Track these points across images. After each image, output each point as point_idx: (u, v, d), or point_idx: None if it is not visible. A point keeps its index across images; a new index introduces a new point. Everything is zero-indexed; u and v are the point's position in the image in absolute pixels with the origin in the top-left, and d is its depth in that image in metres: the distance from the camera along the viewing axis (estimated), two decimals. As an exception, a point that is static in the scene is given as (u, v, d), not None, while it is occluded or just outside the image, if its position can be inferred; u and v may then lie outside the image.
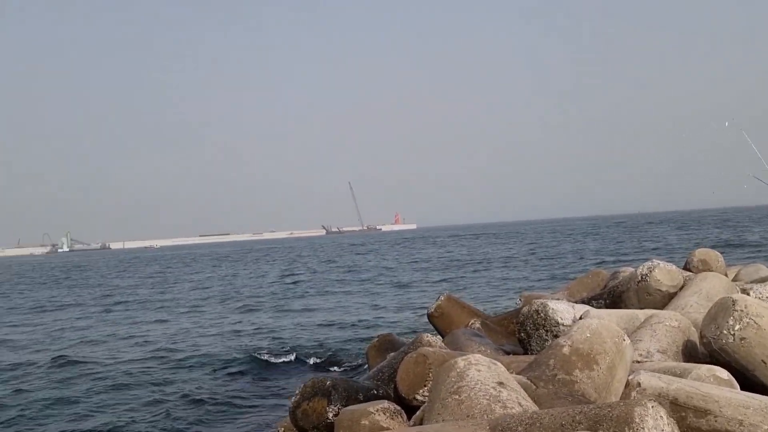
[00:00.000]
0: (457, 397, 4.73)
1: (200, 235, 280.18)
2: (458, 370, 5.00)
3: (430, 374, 6.86)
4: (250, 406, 11.83)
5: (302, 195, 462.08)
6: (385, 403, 6.30)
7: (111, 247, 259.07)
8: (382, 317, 22.55)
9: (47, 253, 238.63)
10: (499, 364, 5.26)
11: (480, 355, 5.32)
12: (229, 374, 14.57)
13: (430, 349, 7.45)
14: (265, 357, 16.21)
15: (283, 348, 17.51)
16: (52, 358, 17.12)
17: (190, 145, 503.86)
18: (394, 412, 6.17)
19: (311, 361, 15.70)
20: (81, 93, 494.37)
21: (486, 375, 4.88)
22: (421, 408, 6.27)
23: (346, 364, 15.02)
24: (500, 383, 4.83)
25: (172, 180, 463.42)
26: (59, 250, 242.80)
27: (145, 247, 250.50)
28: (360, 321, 21.95)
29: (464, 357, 5.26)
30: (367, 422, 5.91)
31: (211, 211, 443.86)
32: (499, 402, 4.57)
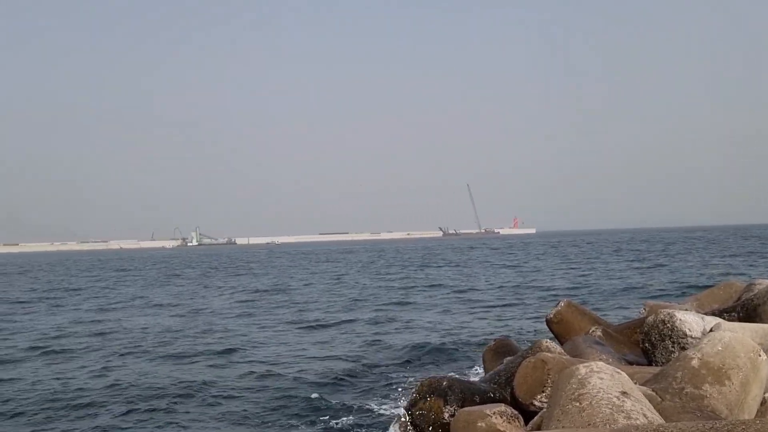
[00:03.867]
0: (577, 404, 4.63)
1: (320, 234, 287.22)
2: (579, 376, 4.90)
3: (549, 380, 6.74)
4: (369, 402, 12.02)
5: (419, 196, 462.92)
6: (502, 407, 6.25)
7: (237, 242, 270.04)
8: (498, 320, 22.32)
9: (178, 246, 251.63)
10: (622, 373, 5.10)
11: (602, 363, 5.18)
12: (352, 370, 14.85)
13: (549, 354, 7.32)
14: (383, 355, 16.44)
15: (400, 347, 17.68)
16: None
17: (312, 147, 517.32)
18: (512, 416, 6.11)
19: (425, 360, 15.77)
20: (215, 89, 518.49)
21: (609, 383, 4.75)
22: (539, 414, 6.17)
23: (460, 366, 14.97)
24: (624, 393, 4.68)
25: (294, 180, 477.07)
26: (189, 244, 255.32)
27: (267, 243, 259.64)
28: (475, 324, 21.82)
29: (586, 364, 5.14)
30: (483, 424, 5.88)
31: (331, 211, 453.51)
32: (623, 412, 4.43)
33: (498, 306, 26.46)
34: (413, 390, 7.28)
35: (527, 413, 6.81)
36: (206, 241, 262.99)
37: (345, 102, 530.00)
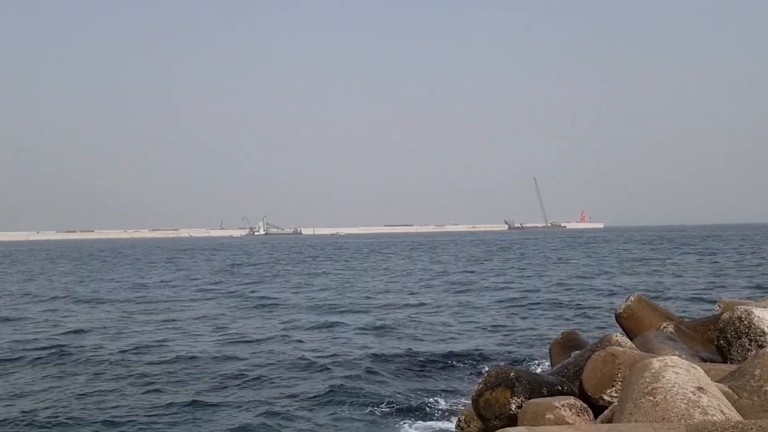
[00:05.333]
0: (651, 398, 4.55)
1: (384, 225, 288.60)
2: (653, 370, 4.81)
3: (619, 374, 6.63)
4: (434, 393, 12.06)
5: (485, 189, 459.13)
6: (572, 399, 6.18)
7: (302, 232, 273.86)
8: (565, 314, 22.03)
9: (245, 235, 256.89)
10: (698, 368, 4.98)
11: (677, 358, 5.07)
12: (418, 361, 14.92)
13: (620, 348, 7.19)
14: (447, 345, 16.46)
15: (463, 338, 17.67)
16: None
17: (377, 139, 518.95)
18: (581, 409, 6.04)
19: (492, 353, 15.71)
20: (273, 88, 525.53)
21: (684, 378, 4.65)
22: (610, 408, 6.08)
23: (525, 358, 14.86)
24: (700, 388, 4.58)
25: (358, 172, 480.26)
26: (256, 233, 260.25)
27: (332, 234, 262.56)
28: (541, 317, 21.60)
29: (660, 358, 5.04)
30: (552, 416, 5.83)
31: (395, 202, 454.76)
32: (699, 407, 4.33)
33: (564, 300, 26.11)
34: (480, 380, 7.25)
35: (596, 407, 6.71)
36: (273, 230, 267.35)
37: (406, 95, 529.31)
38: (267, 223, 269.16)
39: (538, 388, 7.02)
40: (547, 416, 5.88)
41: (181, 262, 66.37)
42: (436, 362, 14.84)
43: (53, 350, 16.41)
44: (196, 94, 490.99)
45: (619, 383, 6.52)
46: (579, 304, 24.68)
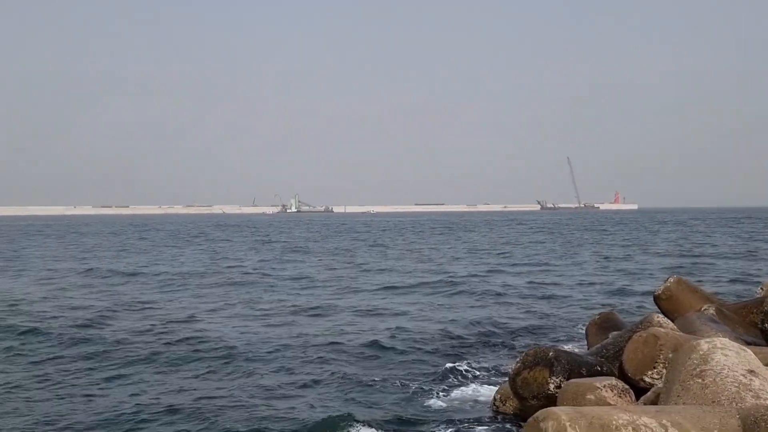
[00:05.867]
0: (700, 381, 4.41)
1: (416, 204, 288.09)
2: (701, 352, 4.66)
3: (661, 356, 6.48)
4: (468, 371, 11.98)
5: (518, 169, 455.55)
6: (613, 380, 6.06)
7: (334, 210, 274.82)
8: (599, 295, 21.77)
9: (277, 212, 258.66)
10: (748, 350, 4.82)
11: (726, 339, 4.91)
12: (451, 339, 14.86)
13: (662, 330, 7.03)
14: (484, 325, 16.38)
15: (500, 318, 17.56)
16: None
17: (409, 120, 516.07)
18: (623, 391, 5.91)
19: (527, 332, 15.59)
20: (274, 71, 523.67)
21: (734, 360, 4.50)
22: (653, 389, 5.94)
23: (559, 339, 14.70)
24: (751, 371, 4.42)
25: (389, 153, 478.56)
26: (288, 211, 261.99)
27: (363, 212, 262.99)
28: (574, 298, 21.37)
29: (708, 339, 4.89)
30: (593, 397, 5.71)
31: (426, 182, 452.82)
32: (750, 391, 4.19)
33: (598, 281, 25.81)
34: (518, 359, 7.14)
35: (636, 389, 6.57)
36: (305, 208, 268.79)
37: (439, 76, 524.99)
38: (299, 201, 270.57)
39: (577, 368, 6.89)
40: (588, 397, 5.76)
41: (212, 237, 67.02)
42: (470, 341, 14.76)
43: (74, 328, 16.49)
44: (221, 80, 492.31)
45: (661, 365, 6.38)
46: (613, 285, 24.38)
